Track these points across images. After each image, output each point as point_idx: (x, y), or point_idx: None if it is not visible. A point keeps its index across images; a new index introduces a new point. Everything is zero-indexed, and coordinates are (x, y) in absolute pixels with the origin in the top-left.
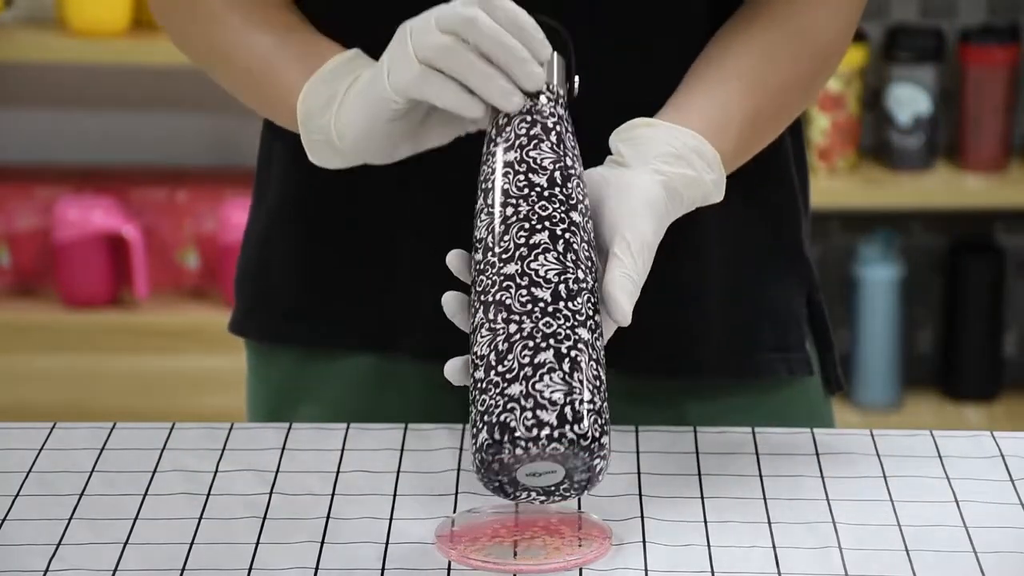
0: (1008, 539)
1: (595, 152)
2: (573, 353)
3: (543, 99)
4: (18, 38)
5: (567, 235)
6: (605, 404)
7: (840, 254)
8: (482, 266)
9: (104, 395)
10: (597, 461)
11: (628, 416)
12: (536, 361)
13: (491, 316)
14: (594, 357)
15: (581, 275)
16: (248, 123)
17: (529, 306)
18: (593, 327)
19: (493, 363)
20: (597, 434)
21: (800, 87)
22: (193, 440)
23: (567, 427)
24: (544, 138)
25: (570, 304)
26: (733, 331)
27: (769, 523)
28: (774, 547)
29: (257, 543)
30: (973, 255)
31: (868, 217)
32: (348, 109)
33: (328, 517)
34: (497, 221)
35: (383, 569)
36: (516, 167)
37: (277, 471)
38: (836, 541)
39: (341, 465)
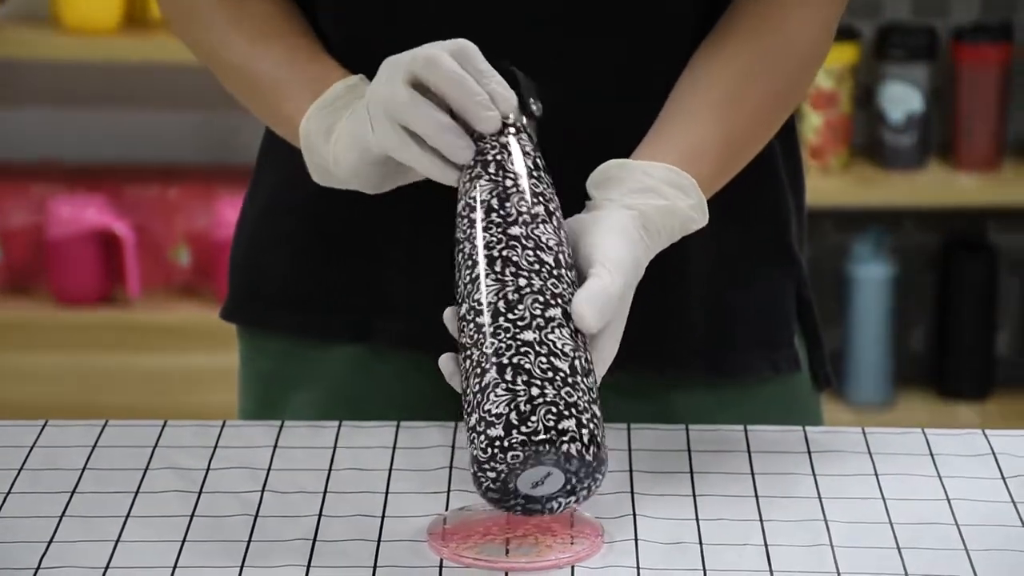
0: (1000, 537)
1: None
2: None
3: (507, 137)
4: (11, 35)
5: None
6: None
7: (833, 252)
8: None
9: (96, 393)
10: (573, 447)
11: (617, 410)
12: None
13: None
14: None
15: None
16: (241, 121)
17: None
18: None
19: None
20: (587, 434)
21: (777, 102)
22: (185, 438)
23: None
24: (501, 182)
25: (514, 312)
26: (719, 328)
27: (761, 521)
28: (766, 545)
29: (249, 541)
30: (966, 254)
31: (861, 215)
32: (343, 149)
33: (320, 515)
34: (482, 283)
35: (375, 567)
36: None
37: (269, 469)
38: (828, 539)
39: (333, 463)
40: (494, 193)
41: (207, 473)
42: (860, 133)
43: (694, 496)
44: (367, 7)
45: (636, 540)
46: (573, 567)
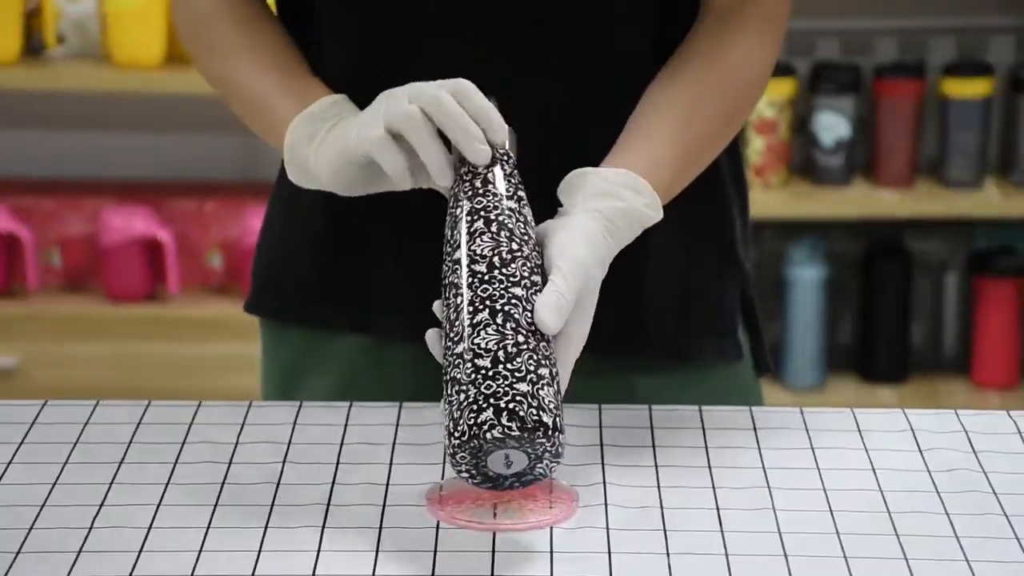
0: (918, 501)
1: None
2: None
3: (495, 170)
4: (69, 70)
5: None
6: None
7: (773, 257)
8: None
9: (141, 377)
10: (542, 439)
11: (587, 390)
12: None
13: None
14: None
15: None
16: (266, 144)
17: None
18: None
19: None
20: (547, 419)
21: (726, 118)
22: (217, 416)
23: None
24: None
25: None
26: (676, 319)
27: (713, 488)
28: (718, 508)
29: (272, 504)
30: (886, 258)
31: (797, 226)
32: (325, 148)
33: (333, 483)
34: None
35: (380, 527)
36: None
37: (289, 443)
38: (771, 503)
39: (345, 438)
40: (478, 209)
41: (236, 446)
42: (796, 155)
43: (656, 467)
44: (368, 5)
45: (606, 504)
46: (552, 528)
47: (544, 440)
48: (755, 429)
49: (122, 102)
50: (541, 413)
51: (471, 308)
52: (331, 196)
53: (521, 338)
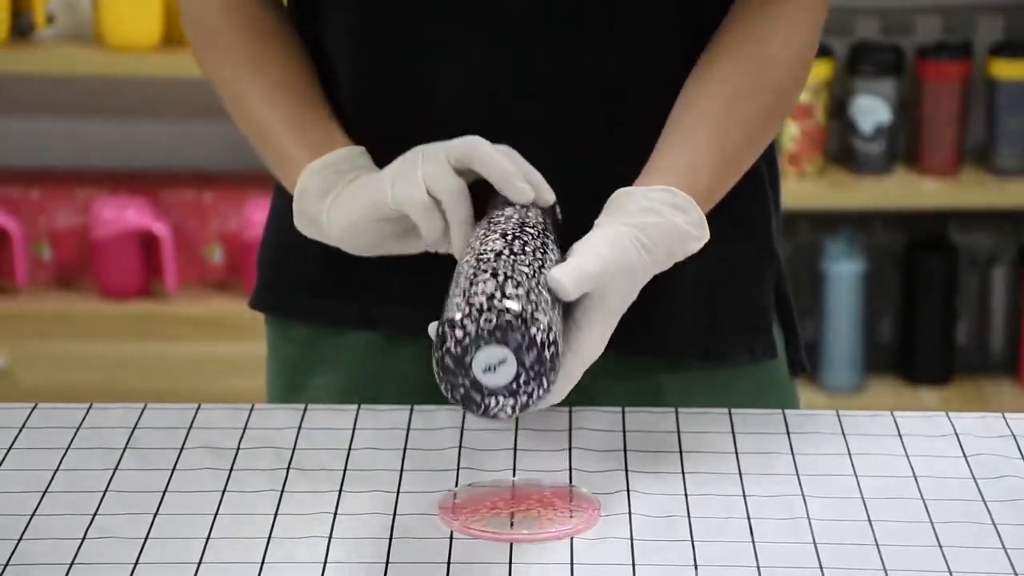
0: (961, 510)
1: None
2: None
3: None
4: (59, 52)
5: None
6: (532, 296)
7: (808, 251)
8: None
9: (136, 378)
10: (535, 332)
11: (610, 391)
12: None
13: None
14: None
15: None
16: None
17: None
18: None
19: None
20: (525, 308)
21: (764, 116)
22: (217, 420)
23: (497, 302)
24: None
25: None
26: (705, 317)
27: (744, 496)
28: (749, 518)
29: (276, 514)
30: (929, 252)
31: (833, 217)
32: (343, 204)
33: (340, 491)
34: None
35: (391, 538)
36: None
37: (294, 448)
38: (805, 512)
39: (352, 443)
40: (508, 232)
41: (237, 452)
42: (833, 142)
43: (683, 473)
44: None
45: (630, 514)
46: (572, 538)
47: (545, 383)
48: (788, 433)
49: (115, 86)
50: (521, 307)
51: (472, 272)
52: None
53: (522, 290)
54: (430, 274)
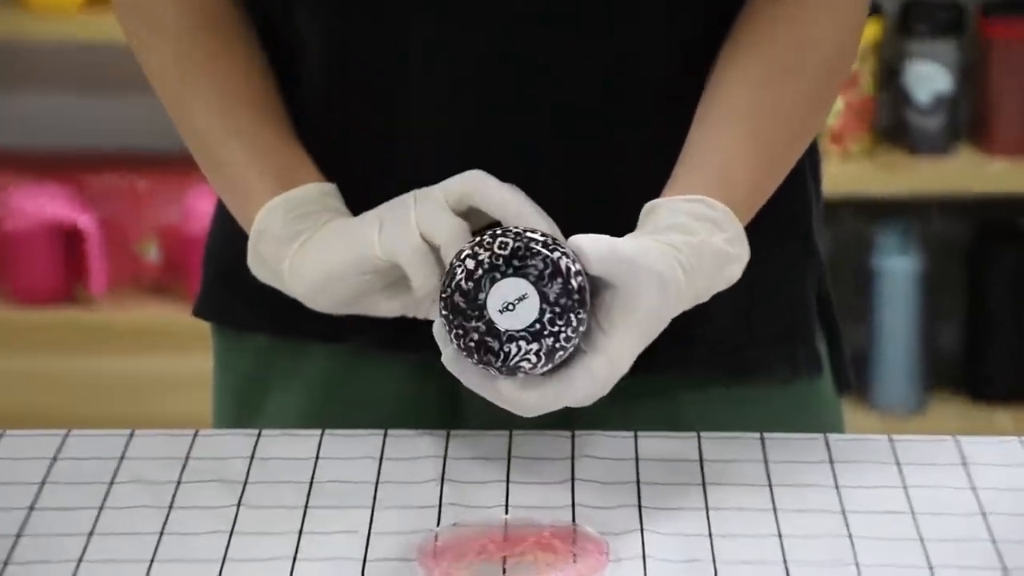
0: None
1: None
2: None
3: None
4: None
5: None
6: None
7: (854, 244)
8: None
9: (57, 400)
10: (559, 258)
11: (620, 413)
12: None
13: None
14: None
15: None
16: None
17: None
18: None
19: None
20: (547, 233)
21: (810, 103)
22: (154, 448)
23: (513, 230)
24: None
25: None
26: (733, 324)
27: (780, 537)
28: (785, 562)
29: (224, 560)
30: (998, 244)
31: (884, 204)
32: (314, 254)
33: (301, 532)
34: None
35: None
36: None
37: (246, 481)
38: (853, 557)
39: (315, 474)
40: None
41: (178, 486)
42: (883, 115)
43: (707, 509)
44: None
45: (644, 558)
46: None
47: (575, 320)
48: (832, 462)
49: (34, 53)
50: (541, 233)
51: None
52: None
53: (539, 233)
54: None
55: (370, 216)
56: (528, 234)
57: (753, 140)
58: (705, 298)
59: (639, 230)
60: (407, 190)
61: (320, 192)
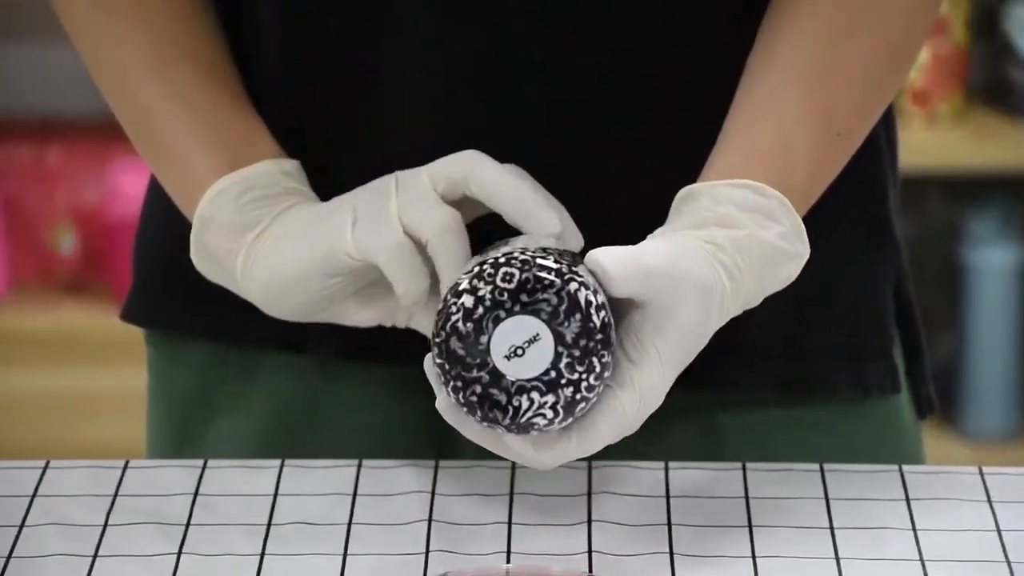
0: None
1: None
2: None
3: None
4: None
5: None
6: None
7: (941, 232)
8: None
9: None
10: (576, 290)
11: (647, 441)
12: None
13: None
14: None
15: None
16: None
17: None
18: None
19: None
20: (560, 261)
21: (886, 61)
22: (74, 483)
23: (519, 255)
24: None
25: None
26: (790, 330)
27: None
28: None
29: None
30: None
31: (980, 182)
32: (275, 244)
33: None
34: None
35: None
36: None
37: (188, 524)
38: None
39: (273, 515)
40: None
41: (104, 530)
42: (979, 71)
43: (753, 558)
44: None
45: None
46: None
47: (600, 361)
48: (908, 500)
49: None
50: (554, 260)
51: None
52: None
53: (551, 255)
54: None
55: (342, 203)
56: (539, 259)
57: (814, 110)
58: (756, 303)
59: (672, 223)
60: (368, 139)
61: (280, 171)
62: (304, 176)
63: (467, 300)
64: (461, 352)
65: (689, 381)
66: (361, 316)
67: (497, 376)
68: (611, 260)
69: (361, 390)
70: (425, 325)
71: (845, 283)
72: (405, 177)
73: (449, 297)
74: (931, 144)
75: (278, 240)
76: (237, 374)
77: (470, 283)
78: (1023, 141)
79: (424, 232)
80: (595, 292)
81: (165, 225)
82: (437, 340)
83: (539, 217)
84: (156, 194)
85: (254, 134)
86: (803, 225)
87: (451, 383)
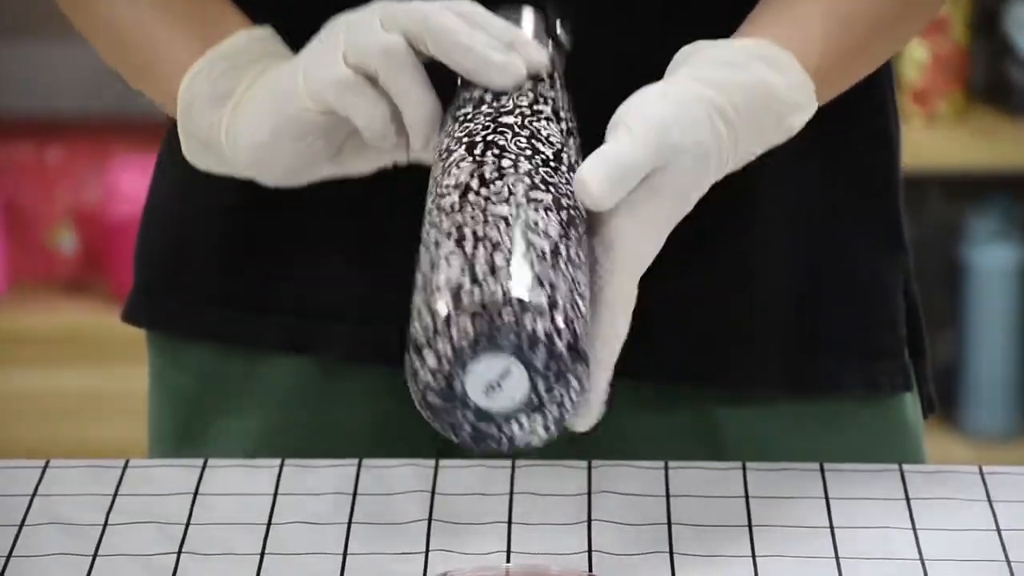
0: None
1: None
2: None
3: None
4: None
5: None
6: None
7: (941, 232)
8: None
9: None
10: (532, 322)
11: (647, 432)
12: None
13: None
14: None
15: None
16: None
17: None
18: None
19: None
20: (508, 288)
21: None
22: (75, 483)
23: (467, 293)
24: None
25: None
26: (795, 324)
27: None
28: None
29: None
30: None
31: (980, 182)
32: (248, 112)
33: None
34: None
35: None
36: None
37: (188, 523)
38: None
39: (273, 515)
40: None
41: (104, 529)
42: (979, 70)
43: (753, 558)
44: None
45: None
46: None
47: (575, 379)
48: (908, 499)
49: None
50: (502, 289)
51: (433, 241)
52: None
53: (501, 255)
54: (384, 271)
55: (298, 58)
56: (483, 291)
57: (837, 13)
58: (758, 152)
59: (669, 75)
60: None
61: (251, 38)
62: (278, 39)
63: (430, 359)
64: (440, 404)
65: (690, 375)
66: (360, 165)
67: (482, 413)
68: (590, 175)
69: (361, 390)
70: (427, 157)
71: (856, 281)
72: (354, 17)
73: (412, 356)
74: (931, 144)
75: (251, 105)
76: (238, 374)
77: (429, 336)
78: (1023, 141)
79: (369, 62)
80: (556, 306)
81: (165, 225)
82: (415, 393)
83: (492, 71)
84: (157, 195)
85: (223, 14)
86: (811, 83)
87: (440, 427)
